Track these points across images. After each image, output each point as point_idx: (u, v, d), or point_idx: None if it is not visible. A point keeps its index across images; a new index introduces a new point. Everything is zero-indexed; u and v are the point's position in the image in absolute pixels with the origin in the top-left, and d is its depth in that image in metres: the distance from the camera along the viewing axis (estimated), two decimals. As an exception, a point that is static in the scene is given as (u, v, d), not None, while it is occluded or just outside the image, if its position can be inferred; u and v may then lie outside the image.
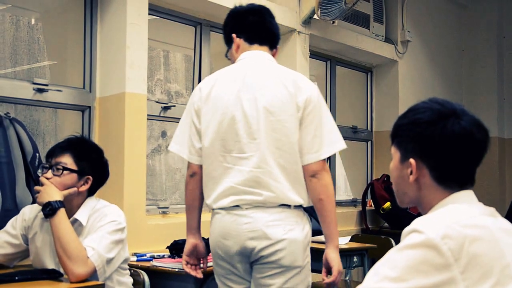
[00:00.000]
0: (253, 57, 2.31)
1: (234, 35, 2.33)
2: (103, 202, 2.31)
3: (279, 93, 2.19)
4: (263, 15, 2.37)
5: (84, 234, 2.20)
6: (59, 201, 2.14)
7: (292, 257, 2.18)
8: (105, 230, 2.16)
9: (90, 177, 2.27)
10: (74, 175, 2.23)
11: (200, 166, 2.27)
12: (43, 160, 2.42)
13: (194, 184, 2.30)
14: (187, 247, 2.37)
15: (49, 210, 2.12)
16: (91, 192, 2.31)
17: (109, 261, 2.14)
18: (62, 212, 2.13)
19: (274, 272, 2.18)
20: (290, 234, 2.17)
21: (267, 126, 2.17)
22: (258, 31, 2.34)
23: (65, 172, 2.21)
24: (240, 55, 2.33)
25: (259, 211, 2.17)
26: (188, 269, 2.38)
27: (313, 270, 2.74)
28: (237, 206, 2.18)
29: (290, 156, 2.19)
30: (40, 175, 2.27)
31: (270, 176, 2.16)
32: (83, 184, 2.25)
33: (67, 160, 2.23)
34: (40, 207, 2.20)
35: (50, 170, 2.23)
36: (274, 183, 2.16)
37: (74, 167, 2.23)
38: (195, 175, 2.29)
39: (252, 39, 2.33)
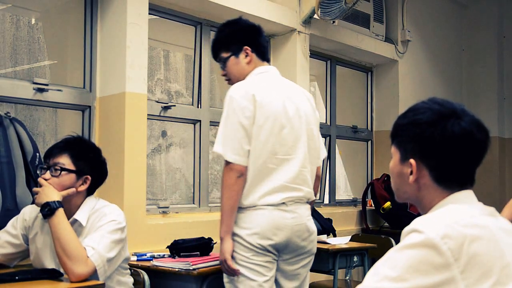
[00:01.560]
0: (275, 72, 2.65)
1: (248, 48, 2.58)
2: (102, 202, 2.30)
3: (308, 106, 2.61)
4: (265, 36, 2.69)
5: (84, 234, 2.20)
6: (58, 201, 2.14)
7: (316, 245, 2.61)
8: (105, 229, 2.16)
9: (89, 176, 2.27)
10: (73, 175, 2.23)
11: (246, 167, 2.41)
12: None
13: (241, 185, 2.41)
14: (230, 248, 2.41)
15: (48, 210, 2.12)
16: (90, 191, 2.31)
17: (109, 260, 2.14)
18: (60, 212, 2.12)
19: (307, 260, 2.57)
20: (315, 226, 2.60)
21: (305, 133, 2.54)
22: (266, 50, 2.67)
23: (63, 172, 2.21)
24: (255, 67, 2.59)
25: (300, 206, 2.50)
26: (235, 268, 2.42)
27: (313, 270, 2.75)
28: (283, 203, 2.45)
29: (314, 159, 2.61)
30: (39, 175, 2.27)
31: (310, 174, 2.56)
32: (82, 184, 2.25)
33: (65, 161, 2.23)
34: None
35: (48, 171, 2.22)
36: (310, 181, 2.57)
37: (72, 167, 2.23)
38: (242, 176, 2.40)
39: (263, 56, 2.64)
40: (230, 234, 2.43)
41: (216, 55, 2.67)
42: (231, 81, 2.63)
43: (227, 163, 2.38)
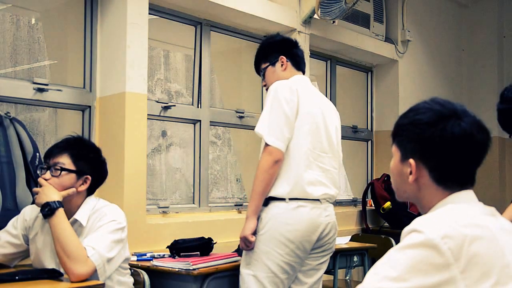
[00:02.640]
0: (309, 82, 2.78)
1: (283, 57, 2.78)
2: (103, 202, 2.30)
3: (336, 118, 2.80)
4: (301, 49, 2.87)
5: (84, 234, 2.20)
6: (58, 201, 2.14)
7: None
8: (105, 229, 2.16)
9: (89, 176, 2.27)
10: (73, 175, 2.23)
11: (283, 154, 2.51)
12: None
13: (276, 170, 2.51)
14: (252, 227, 2.51)
15: (48, 210, 2.11)
16: (90, 191, 2.31)
17: (109, 260, 2.14)
18: (60, 212, 2.12)
19: (327, 257, 2.70)
20: None
21: (335, 139, 2.71)
22: (301, 60, 2.84)
23: (63, 172, 2.21)
24: (291, 75, 2.74)
25: (330, 205, 2.64)
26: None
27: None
28: (318, 200, 2.56)
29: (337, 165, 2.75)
30: (39, 175, 2.26)
31: (337, 176, 2.72)
32: (82, 184, 2.25)
33: (65, 161, 2.23)
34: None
35: (48, 171, 2.22)
36: (338, 183, 2.71)
37: (72, 167, 2.23)
38: (279, 161, 2.51)
39: (298, 66, 2.82)
40: (257, 215, 2.52)
41: (258, 68, 2.87)
42: (268, 88, 2.75)
43: (266, 146, 2.50)
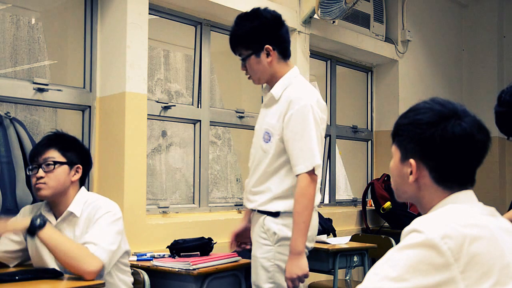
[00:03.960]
0: (302, 76, 2.53)
1: (269, 47, 2.40)
2: (95, 195, 2.34)
3: None
4: (287, 27, 2.48)
5: (79, 225, 2.22)
6: (33, 224, 2.08)
7: None
8: (102, 222, 2.18)
9: (80, 166, 2.30)
10: (65, 167, 2.26)
11: None
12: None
13: None
14: (307, 263, 2.34)
15: (37, 228, 2.09)
16: (81, 182, 2.34)
17: (113, 252, 2.17)
18: (45, 230, 2.09)
19: None
20: None
21: None
22: (288, 45, 2.48)
23: (56, 166, 2.24)
24: (281, 68, 2.44)
25: None
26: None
27: (313, 270, 2.76)
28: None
29: None
30: (30, 175, 2.28)
31: None
32: (75, 174, 2.29)
33: (54, 154, 2.26)
34: (41, 204, 2.32)
35: (40, 169, 2.24)
36: None
37: (62, 159, 2.26)
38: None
39: (286, 54, 2.47)
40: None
41: (234, 50, 2.48)
42: (251, 77, 2.50)
43: (311, 174, 2.31)
